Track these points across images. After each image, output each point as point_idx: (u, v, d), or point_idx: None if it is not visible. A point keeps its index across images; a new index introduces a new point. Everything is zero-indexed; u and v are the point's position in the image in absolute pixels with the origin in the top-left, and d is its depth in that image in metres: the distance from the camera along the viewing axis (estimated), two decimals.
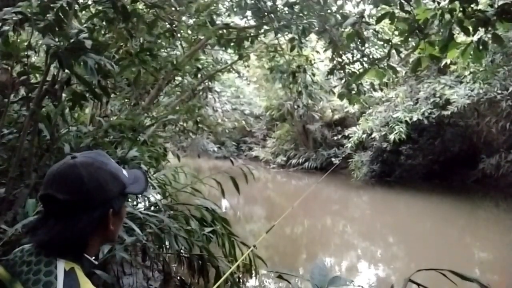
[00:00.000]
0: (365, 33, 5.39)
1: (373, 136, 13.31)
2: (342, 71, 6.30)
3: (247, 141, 23.65)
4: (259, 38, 7.76)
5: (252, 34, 7.05)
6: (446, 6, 3.38)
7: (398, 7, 3.75)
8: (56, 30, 2.74)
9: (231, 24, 7.11)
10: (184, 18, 5.98)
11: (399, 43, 4.24)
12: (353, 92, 5.98)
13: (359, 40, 5.14)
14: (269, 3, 6.00)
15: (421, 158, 13.40)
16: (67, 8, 2.82)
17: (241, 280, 4.31)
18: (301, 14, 5.98)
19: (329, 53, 6.66)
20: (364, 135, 13.50)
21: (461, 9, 3.26)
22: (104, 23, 3.97)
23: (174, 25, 5.28)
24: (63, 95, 3.28)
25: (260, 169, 18.38)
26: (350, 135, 14.10)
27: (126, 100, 6.50)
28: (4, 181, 2.92)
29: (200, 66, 8.33)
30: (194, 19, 6.06)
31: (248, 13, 6.48)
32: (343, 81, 6.45)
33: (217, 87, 12.18)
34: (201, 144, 18.53)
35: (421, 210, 10.44)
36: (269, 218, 9.52)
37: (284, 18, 5.88)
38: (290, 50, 6.67)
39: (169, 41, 5.88)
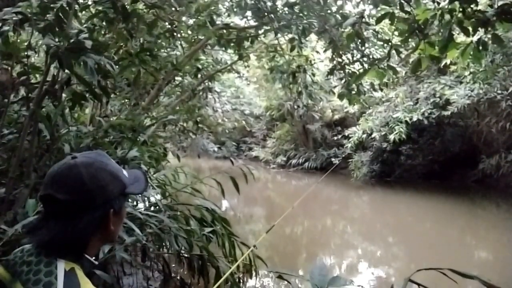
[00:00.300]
0: (365, 33, 5.40)
1: (373, 136, 13.31)
2: (342, 71, 6.30)
3: (247, 141, 23.66)
4: (259, 38, 7.76)
5: (252, 34, 7.05)
6: (446, 7, 3.38)
7: (398, 7, 3.75)
8: (56, 30, 2.74)
9: (231, 24, 7.11)
10: (184, 18, 5.98)
11: (399, 43, 4.24)
12: (353, 92, 5.98)
13: (359, 40, 5.15)
14: (269, 3, 6.00)
15: (421, 158, 13.40)
16: (67, 8, 2.82)
17: (241, 280, 4.31)
18: (301, 14, 5.98)
19: (329, 53, 6.66)
20: (364, 135, 13.51)
21: (461, 9, 3.26)
22: (104, 23, 3.97)
23: (174, 25, 5.28)
24: (63, 95, 3.28)
25: (260, 169, 18.38)
26: (350, 135, 14.10)
27: (126, 100, 6.50)
28: (4, 181, 2.92)
29: (200, 66, 8.33)
30: (194, 19, 6.07)
31: (248, 13, 6.49)
32: (343, 81, 6.45)
33: (217, 87, 12.19)
34: (201, 144, 18.54)
35: (421, 210, 10.44)
36: (269, 218, 9.52)
37: (284, 18, 5.89)
38: (290, 50, 6.67)
39: (169, 41, 5.89)
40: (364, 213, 11.25)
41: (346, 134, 14.75)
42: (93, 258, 1.02)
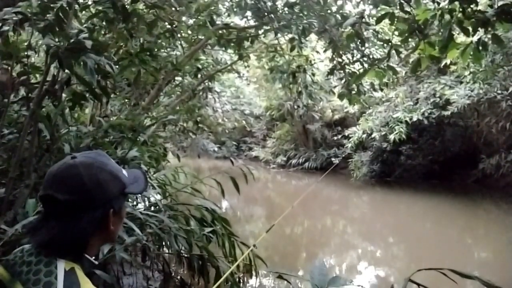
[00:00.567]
0: (365, 33, 5.39)
1: (373, 136, 13.31)
2: (342, 71, 6.30)
3: (247, 141, 23.66)
4: (259, 38, 7.76)
5: (252, 34, 7.05)
6: (446, 7, 3.38)
7: (398, 7, 3.75)
8: (56, 30, 2.74)
9: (231, 24, 7.12)
10: (184, 18, 5.98)
11: (399, 43, 4.24)
12: (353, 92, 5.98)
13: (359, 40, 5.14)
14: (269, 3, 6.00)
15: (421, 158, 13.40)
16: (67, 8, 2.82)
17: (241, 280, 4.31)
18: (301, 14, 5.98)
19: (329, 53, 6.66)
20: (364, 135, 13.51)
21: (460, 9, 3.26)
22: (104, 23, 3.97)
23: (174, 25, 5.28)
24: (63, 95, 3.28)
25: (260, 169, 18.38)
26: (350, 135, 14.11)
27: (126, 100, 6.50)
28: (4, 181, 2.92)
29: (200, 66, 8.34)
30: (194, 19, 6.07)
31: (248, 13, 6.49)
32: (343, 81, 6.45)
33: (217, 87, 12.19)
34: (201, 144, 18.53)
35: (421, 210, 10.44)
36: (269, 218, 9.51)
37: (284, 18, 5.89)
38: (290, 50, 6.67)
39: (169, 41, 5.89)
40: (364, 213, 11.25)
41: (346, 134, 14.76)
42: (93, 258, 1.02)
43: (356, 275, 5.95)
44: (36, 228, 0.96)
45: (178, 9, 5.03)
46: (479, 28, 3.29)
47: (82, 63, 2.55)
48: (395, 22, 3.75)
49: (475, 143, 13.21)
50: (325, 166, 16.61)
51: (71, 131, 3.56)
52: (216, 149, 21.40)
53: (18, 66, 3.30)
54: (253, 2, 6.02)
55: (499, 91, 10.80)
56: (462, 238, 8.08)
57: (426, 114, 12.08)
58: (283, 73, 9.00)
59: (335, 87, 9.63)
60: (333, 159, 15.94)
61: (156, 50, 5.05)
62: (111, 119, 4.84)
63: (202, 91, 9.33)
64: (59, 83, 3.06)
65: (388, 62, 4.61)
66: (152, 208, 4.09)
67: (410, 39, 3.85)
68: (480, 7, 3.36)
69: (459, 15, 3.30)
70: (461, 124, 13.02)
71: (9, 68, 3.10)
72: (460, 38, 5.02)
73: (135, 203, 4.23)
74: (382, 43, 6.20)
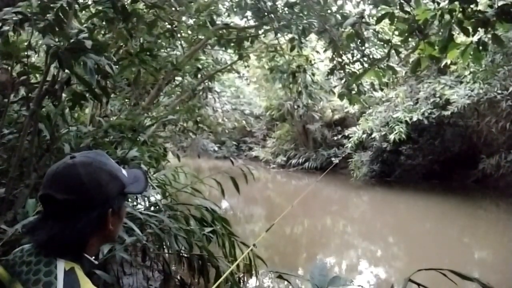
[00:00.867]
0: (365, 33, 5.39)
1: (373, 136, 13.31)
2: (342, 71, 6.30)
3: (247, 141, 23.66)
4: (259, 38, 7.76)
5: (252, 34, 7.05)
6: (446, 7, 3.38)
7: (398, 7, 3.75)
8: (56, 30, 2.74)
9: (231, 24, 7.12)
10: (184, 18, 5.98)
11: (399, 43, 4.24)
12: (353, 92, 5.98)
13: (359, 40, 5.15)
14: (269, 3, 6.00)
15: (421, 158, 13.39)
16: (67, 8, 2.82)
17: (241, 280, 4.31)
18: (301, 14, 5.98)
19: (329, 53, 6.66)
20: (364, 135, 13.51)
21: (460, 9, 3.26)
22: (104, 23, 3.97)
23: (174, 25, 5.28)
24: (63, 95, 3.28)
25: (260, 169, 18.38)
26: (350, 135, 14.10)
27: (126, 100, 6.50)
28: (4, 181, 2.92)
29: (200, 66, 8.34)
30: (194, 19, 6.06)
31: (248, 13, 6.49)
32: (343, 81, 6.45)
33: (217, 87, 12.18)
34: (201, 144, 18.54)
35: (421, 210, 10.44)
36: (269, 218, 9.51)
37: (284, 18, 5.89)
38: (290, 50, 6.67)
39: (169, 41, 5.88)
40: (364, 213, 11.25)
41: (346, 134, 14.75)
42: (93, 258, 1.02)
43: (356, 275, 5.95)
44: (36, 228, 0.96)
45: (178, 9, 5.03)
46: (479, 28, 3.29)
47: (82, 63, 2.55)
48: (395, 22, 3.76)
49: (475, 143, 13.21)
50: (325, 166, 16.59)
51: (71, 131, 3.56)
52: (216, 149, 21.43)
53: (18, 66, 3.30)
54: (253, 2, 6.02)
55: (499, 91, 10.80)
56: (462, 238, 8.08)
57: (426, 114, 12.08)
58: (283, 73, 9.00)
59: (335, 87, 9.63)
60: (333, 159, 15.92)
61: (156, 50, 5.05)
62: (111, 119, 4.84)
63: (202, 91, 9.32)
64: (59, 83, 3.06)
65: (388, 62, 4.61)
66: (152, 208, 4.09)
67: (410, 39, 3.85)
68: (480, 7, 3.36)
69: (459, 15, 3.30)
70: (461, 124, 13.01)
71: (9, 68, 3.10)
72: (460, 38, 5.02)
73: (135, 203, 4.23)
74: (382, 43, 6.20)
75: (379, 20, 4.01)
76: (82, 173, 0.95)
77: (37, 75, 3.65)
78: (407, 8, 3.64)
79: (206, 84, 9.29)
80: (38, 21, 2.72)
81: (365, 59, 5.88)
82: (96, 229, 0.98)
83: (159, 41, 5.38)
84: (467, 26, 3.30)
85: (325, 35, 6.04)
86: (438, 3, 3.48)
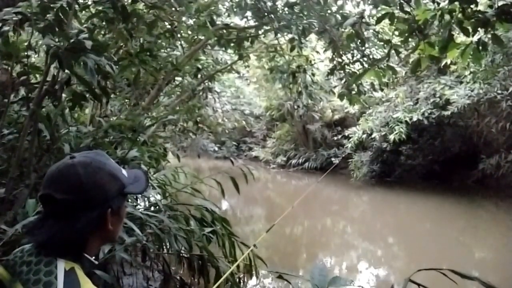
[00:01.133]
0: (365, 33, 5.39)
1: (373, 136, 13.31)
2: (342, 71, 6.30)
3: (247, 141, 23.65)
4: (259, 38, 7.76)
5: (252, 34, 7.05)
6: (446, 7, 3.38)
7: (398, 7, 3.75)
8: (56, 30, 2.74)
9: (231, 24, 7.11)
10: (184, 18, 5.97)
11: (399, 43, 4.24)
12: (353, 92, 5.98)
13: (359, 40, 5.14)
14: (269, 3, 6.00)
15: (421, 158, 13.40)
16: (67, 8, 2.82)
17: (241, 280, 4.31)
18: (301, 14, 5.98)
19: (329, 53, 6.66)
20: (364, 135, 13.51)
21: (460, 9, 3.26)
22: (104, 23, 3.97)
23: (174, 25, 5.27)
24: (63, 95, 3.28)
25: (260, 169, 18.38)
26: (350, 135, 14.11)
27: (126, 100, 6.50)
28: (4, 181, 2.92)
29: (200, 66, 8.33)
30: (194, 19, 6.06)
31: (248, 13, 6.48)
32: (343, 81, 6.45)
33: (217, 87, 12.17)
34: (201, 144, 18.55)
35: (421, 210, 10.44)
36: (269, 218, 9.52)
37: (284, 18, 5.88)
38: (290, 50, 6.66)
39: (169, 41, 5.88)
40: (364, 213, 11.25)
41: (346, 134, 14.75)
42: (93, 258, 1.02)
43: (356, 275, 5.95)
44: (36, 227, 0.96)
45: (178, 9, 5.02)
46: (479, 28, 3.29)
47: (82, 63, 2.55)
48: (395, 22, 3.76)
49: (475, 143, 13.21)
50: (325, 166, 16.60)
51: (71, 131, 3.56)
52: (216, 149, 21.44)
53: (18, 66, 3.30)
54: (253, 2, 6.02)
55: (499, 91, 10.80)
56: (462, 238, 8.08)
57: (426, 114, 12.08)
58: (283, 73, 8.98)
59: (335, 87, 9.63)
60: (333, 159, 15.93)
61: (156, 50, 5.05)
62: (111, 119, 4.84)
63: (202, 91, 9.31)
64: (59, 83, 3.06)
65: (388, 62, 4.61)
66: (152, 208, 4.09)
67: (410, 39, 3.85)
68: (480, 7, 3.36)
69: (459, 15, 3.30)
70: (461, 124, 13.01)
71: (9, 68, 3.10)
72: (460, 38, 5.02)
73: (135, 203, 4.23)
74: (382, 43, 6.20)
75: (379, 20, 4.01)
76: (82, 173, 0.95)
77: (37, 75, 3.65)
78: (407, 8, 3.64)
79: (206, 84, 9.28)
80: (38, 21, 2.72)
81: (365, 59, 5.88)
82: (95, 229, 0.98)
83: (159, 41, 5.38)
84: (467, 26, 3.30)
85: (325, 35, 6.05)
86: (438, 3, 3.48)
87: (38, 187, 2.74)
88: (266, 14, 5.95)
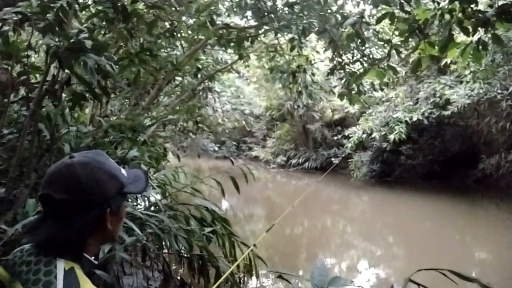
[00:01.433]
0: (365, 33, 5.39)
1: (373, 136, 13.31)
2: (342, 71, 6.30)
3: (247, 141, 23.65)
4: (259, 38, 7.75)
5: (252, 34, 7.05)
6: (446, 7, 3.38)
7: (398, 7, 3.75)
8: (56, 30, 2.74)
9: (231, 24, 7.11)
10: (184, 18, 5.97)
11: (399, 43, 4.24)
12: (353, 92, 5.98)
13: (359, 40, 5.14)
14: (269, 3, 6.00)
15: (421, 158, 13.40)
16: (67, 8, 2.82)
17: (241, 280, 4.31)
18: (301, 14, 5.98)
19: (329, 53, 6.66)
20: (364, 135, 13.51)
21: (461, 9, 3.26)
22: (104, 23, 3.97)
23: (174, 25, 5.27)
24: (63, 95, 3.28)
25: (260, 169, 18.38)
26: (350, 135, 14.10)
27: (126, 100, 6.49)
28: (4, 181, 2.92)
29: (200, 66, 8.32)
30: (194, 19, 6.06)
31: (248, 13, 6.48)
32: (343, 81, 6.45)
33: (217, 87, 12.17)
34: (201, 144, 18.54)
35: (421, 210, 10.44)
36: (269, 218, 9.52)
37: (284, 18, 5.88)
38: (290, 50, 6.66)
39: (169, 41, 5.87)
40: (364, 213, 11.25)
41: (346, 134, 14.75)
42: (93, 257, 1.02)
43: (356, 275, 5.95)
44: (35, 227, 0.96)
45: (178, 9, 5.02)
46: (479, 28, 3.29)
47: (82, 63, 2.55)
48: (395, 22, 3.76)
49: (475, 143, 13.21)
50: (325, 166, 16.60)
51: (71, 131, 3.55)
52: (216, 149, 21.44)
53: (18, 66, 3.30)
54: (253, 2, 6.01)
55: (499, 91, 10.79)
56: (462, 238, 8.08)
57: (426, 114, 12.07)
58: (283, 73, 8.99)
59: (335, 87, 9.62)
60: (333, 159, 15.93)
61: (156, 50, 5.05)
62: (111, 119, 4.83)
63: (202, 91, 9.31)
64: (59, 83, 3.05)
65: (388, 62, 4.61)
66: (152, 208, 4.09)
67: (410, 39, 3.85)
68: (480, 7, 3.36)
69: (459, 15, 3.30)
70: (461, 124, 13.01)
71: (9, 68, 3.10)
72: (460, 38, 5.02)
73: (135, 203, 4.23)
74: (382, 43, 6.20)
75: (379, 20, 4.01)
76: (80, 173, 0.95)
77: (37, 75, 3.65)
78: (407, 8, 3.64)
79: (206, 84, 9.28)
80: (38, 21, 2.72)
81: (365, 59, 5.88)
82: (95, 229, 0.98)
83: (159, 41, 5.37)
84: (467, 26, 3.30)
85: (325, 35, 6.04)
86: (438, 3, 3.48)
87: (38, 187, 2.74)
88: (266, 14, 5.95)
